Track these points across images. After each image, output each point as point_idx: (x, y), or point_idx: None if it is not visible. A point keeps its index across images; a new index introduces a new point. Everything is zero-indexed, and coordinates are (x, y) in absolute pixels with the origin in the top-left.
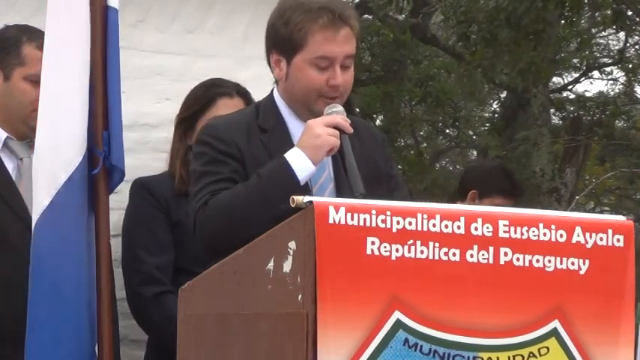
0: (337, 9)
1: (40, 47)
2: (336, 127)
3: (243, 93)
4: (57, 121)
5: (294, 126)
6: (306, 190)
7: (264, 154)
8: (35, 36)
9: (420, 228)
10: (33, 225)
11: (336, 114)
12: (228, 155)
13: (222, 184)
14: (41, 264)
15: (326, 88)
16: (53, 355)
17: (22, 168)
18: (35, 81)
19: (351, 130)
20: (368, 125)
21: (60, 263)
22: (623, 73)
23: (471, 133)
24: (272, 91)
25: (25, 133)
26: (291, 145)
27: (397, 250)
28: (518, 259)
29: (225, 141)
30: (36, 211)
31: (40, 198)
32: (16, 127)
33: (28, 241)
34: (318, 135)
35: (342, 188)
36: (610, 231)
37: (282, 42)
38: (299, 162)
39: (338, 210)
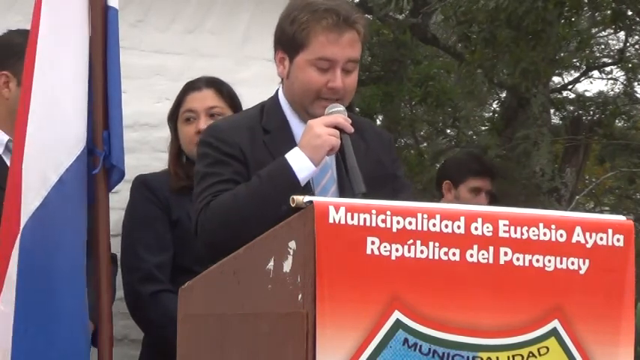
0: (343, 12)
1: (33, 47)
2: (336, 127)
3: (214, 83)
4: (49, 121)
5: (298, 127)
6: (308, 191)
7: (267, 156)
8: None
9: (420, 228)
10: (21, 226)
11: (337, 114)
12: (230, 156)
13: (224, 186)
14: (32, 266)
15: (325, 90)
16: (50, 353)
17: None
18: None
19: (351, 129)
20: (374, 125)
21: (54, 265)
22: (623, 73)
23: (471, 133)
24: (277, 91)
25: None
26: (294, 146)
27: (397, 250)
28: (518, 259)
29: (228, 142)
30: (25, 212)
31: (29, 199)
32: None
33: None
34: (318, 135)
35: (345, 189)
36: (610, 231)
37: (286, 40)
38: (299, 162)
39: (338, 210)
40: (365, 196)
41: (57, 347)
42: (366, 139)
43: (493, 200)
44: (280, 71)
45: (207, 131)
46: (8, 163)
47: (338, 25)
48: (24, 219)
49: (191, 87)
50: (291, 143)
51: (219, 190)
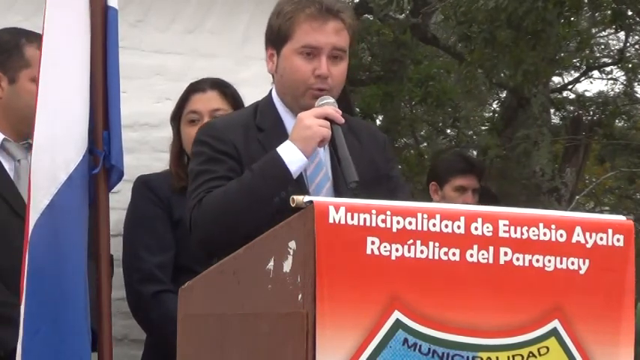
0: (326, 1)
1: (40, 48)
2: (326, 118)
3: (219, 85)
4: (56, 121)
5: (291, 124)
6: (302, 188)
7: (262, 153)
8: (33, 37)
9: (420, 228)
10: (31, 225)
11: (327, 105)
12: (225, 154)
13: (217, 182)
14: (42, 263)
15: (312, 80)
16: (59, 353)
17: (20, 169)
18: None
19: (342, 120)
20: (369, 126)
21: (61, 263)
22: (623, 73)
23: (471, 132)
24: (270, 90)
25: (23, 134)
26: None
27: (397, 250)
28: (518, 259)
29: (223, 140)
30: (35, 210)
31: (39, 197)
32: (18, 128)
33: None
34: (308, 126)
35: (340, 187)
36: (610, 231)
37: (273, 35)
38: (290, 154)
39: (338, 210)
40: (358, 195)
41: (66, 345)
42: (361, 139)
43: (486, 198)
44: (270, 67)
45: (202, 130)
46: (4, 162)
47: (321, 12)
48: (34, 217)
49: (195, 88)
50: (285, 140)
51: (212, 186)
